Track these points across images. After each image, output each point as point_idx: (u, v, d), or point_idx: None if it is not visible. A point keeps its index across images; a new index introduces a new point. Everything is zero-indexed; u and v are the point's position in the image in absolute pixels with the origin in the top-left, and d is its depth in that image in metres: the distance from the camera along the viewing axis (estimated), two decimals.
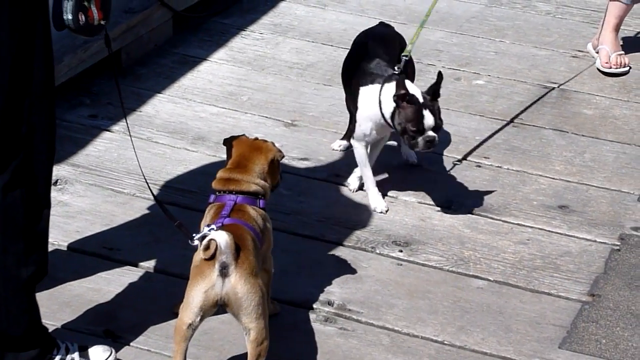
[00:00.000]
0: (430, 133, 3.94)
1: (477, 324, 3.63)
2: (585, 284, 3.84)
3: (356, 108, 4.14)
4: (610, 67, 5.17)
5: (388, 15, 5.65)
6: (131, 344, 3.50)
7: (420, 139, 3.94)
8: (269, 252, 3.44)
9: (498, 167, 4.48)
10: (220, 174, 3.45)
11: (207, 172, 4.33)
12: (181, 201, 4.20)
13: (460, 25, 5.61)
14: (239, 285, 3.10)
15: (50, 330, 3.35)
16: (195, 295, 3.12)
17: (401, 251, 3.97)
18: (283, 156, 3.54)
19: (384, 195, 4.24)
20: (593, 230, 4.11)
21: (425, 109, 3.94)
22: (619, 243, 4.05)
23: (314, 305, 3.69)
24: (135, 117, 4.75)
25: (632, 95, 5.03)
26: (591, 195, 4.31)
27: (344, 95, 4.74)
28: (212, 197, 3.43)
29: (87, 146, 4.53)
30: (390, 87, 3.99)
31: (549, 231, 4.11)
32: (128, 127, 3.82)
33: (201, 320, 3.12)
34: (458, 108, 4.87)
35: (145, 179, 3.60)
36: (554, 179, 4.41)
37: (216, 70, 5.15)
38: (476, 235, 4.07)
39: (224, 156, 4.44)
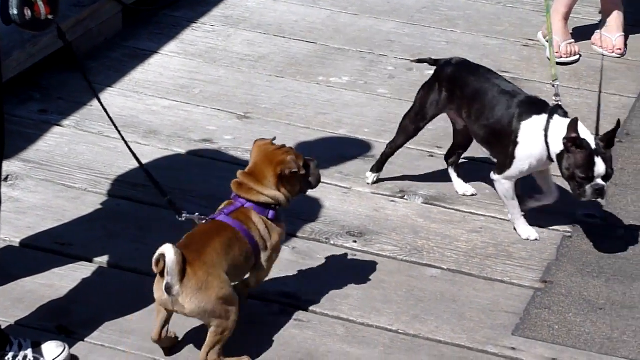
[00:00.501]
0: (600, 181, 3.77)
1: (431, 313, 3.65)
2: (538, 271, 3.87)
3: (514, 144, 3.90)
4: (561, 56, 5.20)
5: (340, 7, 5.67)
6: (85, 339, 3.49)
7: (588, 187, 3.78)
8: (269, 262, 3.49)
9: None
10: (238, 176, 3.52)
11: (159, 165, 4.33)
12: (134, 195, 4.19)
13: (412, 15, 5.63)
14: (185, 304, 3.22)
15: (3, 327, 3.33)
16: (155, 307, 3.35)
17: (355, 242, 3.98)
18: (293, 168, 3.44)
19: (338, 185, 4.26)
20: (545, 217, 4.13)
21: (597, 155, 3.76)
22: (570, 230, 4.09)
23: (270, 297, 3.69)
24: (86, 111, 4.73)
25: (583, 83, 5.08)
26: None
27: (297, 86, 4.77)
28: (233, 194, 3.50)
29: (38, 141, 4.51)
30: (559, 124, 3.82)
31: (501, 219, 4.13)
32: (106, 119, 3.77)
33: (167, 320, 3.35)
34: (410, 98, 4.82)
35: (125, 142, 3.63)
36: None
37: (167, 63, 5.14)
38: (429, 224, 4.09)
39: (176, 149, 4.48)
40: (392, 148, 4.26)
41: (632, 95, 5.00)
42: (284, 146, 3.54)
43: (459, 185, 4.29)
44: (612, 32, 5.32)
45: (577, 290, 3.78)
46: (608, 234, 4.08)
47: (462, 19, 5.60)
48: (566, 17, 5.23)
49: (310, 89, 4.94)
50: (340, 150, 4.45)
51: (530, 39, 5.42)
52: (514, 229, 4.05)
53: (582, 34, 5.41)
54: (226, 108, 4.79)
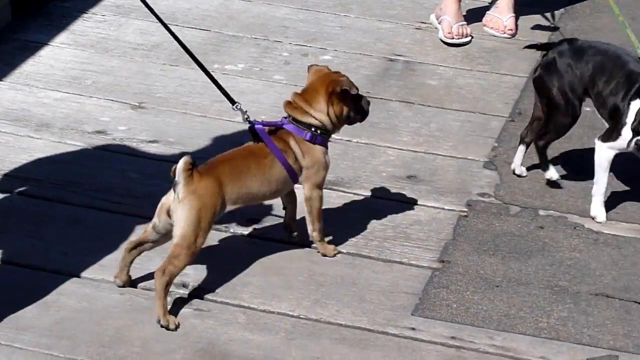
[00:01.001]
0: None
1: (332, 297, 3.67)
2: (435, 251, 3.91)
3: (620, 122, 3.96)
4: (453, 38, 5.26)
5: None
6: None
7: None
8: (309, 181, 3.73)
9: (348, 140, 4.52)
10: (291, 96, 3.77)
11: (52, 159, 4.29)
12: (27, 190, 4.13)
13: (306, 1, 5.64)
14: (179, 199, 3.48)
15: None
16: (161, 200, 3.60)
17: (255, 229, 3.97)
18: (344, 86, 3.67)
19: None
20: (441, 198, 4.19)
21: None
22: (466, 209, 4.14)
23: (169, 288, 3.67)
24: None
25: (475, 64, 5.14)
26: (438, 165, 4.39)
27: (191, 74, 4.74)
28: None
29: None
30: None
31: (398, 201, 4.17)
32: None
33: (162, 228, 3.57)
34: None
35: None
36: (402, 149, 4.48)
37: (58, 55, 5.08)
38: (328, 208, 4.09)
39: (70, 142, 4.43)
40: (545, 143, 4.24)
41: (523, 74, 5.07)
42: (335, 72, 3.78)
43: (518, 163, 4.35)
44: (502, 14, 5.38)
45: (474, 268, 3.84)
46: (502, 213, 4.13)
47: (355, 3, 5.62)
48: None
49: (205, 77, 4.89)
50: (238, 137, 4.44)
51: (422, 22, 5.45)
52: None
53: (474, 15, 5.46)
54: (120, 98, 4.75)
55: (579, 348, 3.50)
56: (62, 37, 5.22)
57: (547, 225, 4.07)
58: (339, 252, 3.87)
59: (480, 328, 3.56)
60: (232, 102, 3.76)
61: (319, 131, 3.71)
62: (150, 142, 4.46)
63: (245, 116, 3.69)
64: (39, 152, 4.36)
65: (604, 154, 4.05)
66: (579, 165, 4.41)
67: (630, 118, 3.95)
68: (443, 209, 4.13)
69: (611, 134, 4.03)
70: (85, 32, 5.27)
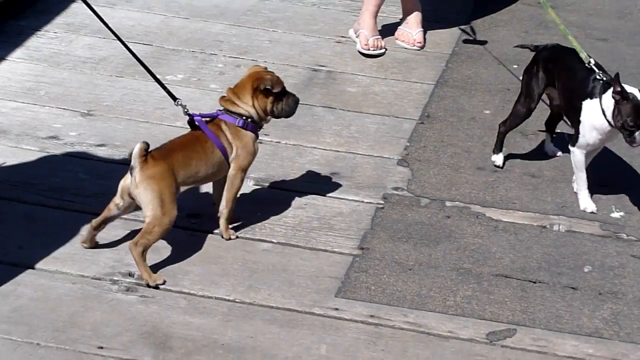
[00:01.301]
0: None
1: (264, 282, 3.68)
2: (356, 239, 3.93)
3: (579, 121, 4.02)
4: (369, 49, 5.28)
5: (172, 12, 5.63)
6: None
7: (637, 134, 3.84)
8: (237, 160, 3.79)
9: (277, 142, 4.54)
10: (225, 91, 3.87)
11: (10, 162, 4.23)
12: None
13: (238, 18, 5.63)
14: (137, 182, 3.56)
15: None
16: (119, 184, 3.66)
17: (194, 222, 3.96)
18: (267, 84, 3.77)
19: None
20: (360, 192, 4.21)
21: None
22: (382, 202, 4.16)
23: (116, 278, 3.66)
24: None
25: (389, 73, 5.16)
26: (357, 162, 4.42)
27: (135, 84, 4.71)
28: None
29: None
30: (607, 94, 3.89)
31: (323, 195, 4.18)
32: None
33: (124, 206, 3.68)
34: None
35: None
36: (325, 150, 4.50)
37: (14, 69, 5.02)
38: (260, 203, 4.11)
39: (25, 147, 4.39)
40: (506, 128, 4.38)
41: (430, 82, 5.10)
42: (271, 72, 3.88)
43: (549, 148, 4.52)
44: (412, 29, 5.41)
45: (390, 254, 3.86)
46: (414, 204, 4.16)
47: (282, 20, 5.63)
48: (374, 15, 5.30)
49: (148, 86, 4.89)
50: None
51: (342, 36, 5.47)
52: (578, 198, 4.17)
53: (388, 30, 5.48)
54: (70, 107, 4.71)
55: (481, 323, 3.54)
56: (17, 53, 5.16)
57: (453, 214, 4.11)
58: (237, 238, 3.89)
59: (395, 307, 3.59)
60: (174, 99, 3.85)
61: (249, 120, 3.79)
62: (98, 146, 4.43)
63: (185, 110, 3.79)
64: None
65: (577, 156, 4.11)
66: (482, 162, 4.46)
67: (583, 117, 4.00)
68: (362, 202, 4.16)
69: (577, 138, 4.07)
70: (39, 47, 5.22)
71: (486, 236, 3.99)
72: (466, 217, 4.10)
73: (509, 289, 3.71)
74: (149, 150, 3.61)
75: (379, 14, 5.33)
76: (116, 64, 5.09)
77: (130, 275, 3.67)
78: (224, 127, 3.80)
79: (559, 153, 4.49)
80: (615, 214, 4.15)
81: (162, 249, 3.80)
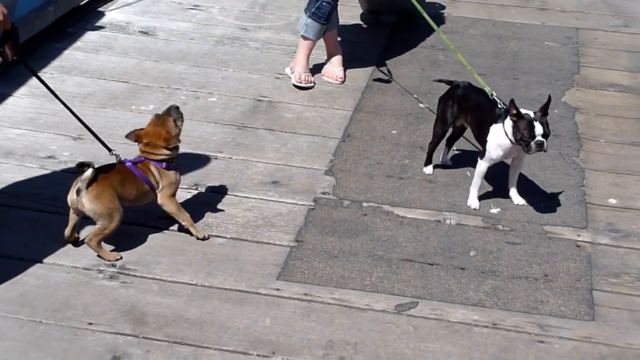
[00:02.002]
0: (540, 138, 3.86)
1: (220, 270, 3.66)
2: (292, 234, 3.92)
3: (486, 141, 4.05)
4: (302, 83, 5.28)
5: (144, 56, 5.57)
6: None
7: (532, 143, 3.87)
8: (164, 194, 3.74)
9: (229, 157, 4.50)
10: (140, 147, 3.76)
11: (16, 178, 4.16)
12: None
13: (197, 60, 5.59)
14: (85, 204, 3.55)
15: None
16: (67, 199, 3.63)
17: (163, 223, 3.92)
18: (172, 133, 3.74)
19: None
20: (296, 196, 4.20)
21: (535, 121, 3.87)
22: (313, 204, 4.16)
23: (102, 268, 3.61)
24: None
25: (317, 102, 5.16)
26: (293, 173, 4.40)
27: (116, 114, 4.64)
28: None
29: None
30: (508, 119, 3.93)
31: (266, 199, 4.16)
32: None
33: (79, 214, 3.64)
34: (199, 119, 4.86)
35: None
36: (267, 163, 4.47)
37: (19, 103, 4.92)
38: (215, 207, 4.08)
39: (29, 165, 4.31)
40: (432, 146, 4.39)
41: (350, 109, 5.10)
42: (158, 115, 3.81)
43: (445, 159, 4.52)
44: (335, 67, 5.42)
45: (319, 245, 3.86)
46: (338, 205, 4.16)
47: (232, 61, 5.60)
48: (307, 57, 5.30)
49: (126, 115, 4.85)
50: None
51: (280, 73, 5.45)
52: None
53: (316, 68, 5.48)
54: (64, 132, 4.63)
55: (391, 297, 3.56)
56: (22, 90, 5.06)
57: (369, 213, 4.12)
58: (211, 236, 3.85)
59: (324, 287, 3.59)
60: (109, 150, 3.76)
61: (170, 160, 3.75)
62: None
63: (118, 158, 3.72)
64: (6, 172, 4.23)
65: (482, 167, 4.13)
66: (390, 171, 4.48)
67: (489, 138, 4.04)
68: (297, 204, 4.14)
69: (484, 154, 4.10)
70: (39, 86, 5.01)
71: (394, 229, 4.00)
72: (379, 214, 4.11)
73: (412, 270, 3.73)
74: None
75: (309, 56, 5.33)
76: (100, 98, 5.02)
77: (113, 265, 3.63)
78: (152, 168, 3.72)
79: (450, 163, 4.52)
80: (494, 210, 4.19)
81: (138, 244, 3.76)
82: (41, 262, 3.62)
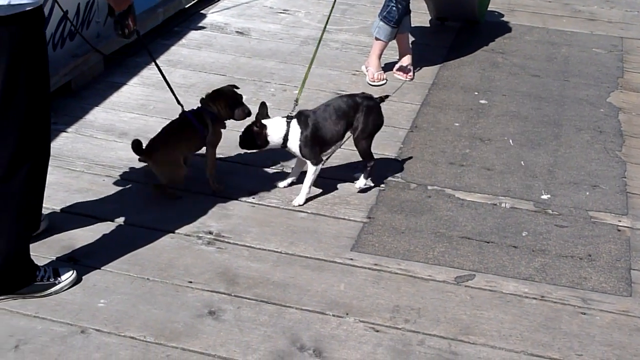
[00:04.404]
0: None
1: (301, 240, 3.67)
2: (365, 211, 3.90)
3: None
4: (375, 81, 5.24)
5: (239, 53, 5.61)
6: (86, 265, 3.41)
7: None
8: (210, 142, 3.85)
9: None
10: (205, 96, 3.91)
11: (129, 156, 4.22)
12: (113, 174, 4.08)
13: (285, 57, 5.60)
14: (151, 163, 3.74)
15: (34, 261, 3.24)
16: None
17: (253, 198, 3.95)
18: (244, 111, 3.90)
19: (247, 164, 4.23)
20: (371, 178, 4.16)
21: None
22: (384, 186, 4.13)
23: (200, 235, 3.66)
24: (81, 122, 4.59)
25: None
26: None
27: None
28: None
29: (52, 142, 4.26)
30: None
31: (342, 181, 4.14)
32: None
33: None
34: (285, 108, 4.83)
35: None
36: (344, 148, 4.39)
37: (132, 90, 5.02)
38: (298, 186, 4.07)
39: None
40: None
41: (417, 103, 5.05)
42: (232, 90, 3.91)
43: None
44: (405, 65, 5.37)
45: (388, 222, 3.84)
46: (405, 187, 4.13)
47: (315, 58, 5.55)
48: (379, 56, 5.27)
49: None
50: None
51: (357, 70, 5.43)
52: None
53: (388, 66, 5.44)
54: (171, 117, 4.55)
55: (451, 270, 3.53)
56: (135, 80, 5.15)
57: (432, 195, 4.08)
58: (294, 211, 3.82)
59: (392, 258, 3.58)
60: (180, 104, 3.88)
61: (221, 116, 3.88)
62: None
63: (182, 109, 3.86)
64: (121, 150, 4.32)
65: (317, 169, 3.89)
66: (453, 159, 4.42)
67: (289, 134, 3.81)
68: (371, 185, 4.12)
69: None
70: (149, 76, 5.21)
71: (455, 210, 3.96)
72: (441, 197, 4.07)
73: (470, 246, 3.68)
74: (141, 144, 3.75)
75: (382, 56, 5.29)
76: (201, 88, 5.06)
77: (210, 233, 3.67)
78: (206, 120, 3.84)
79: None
80: (544, 196, 4.11)
81: (233, 217, 3.80)
82: (149, 228, 3.68)
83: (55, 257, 3.43)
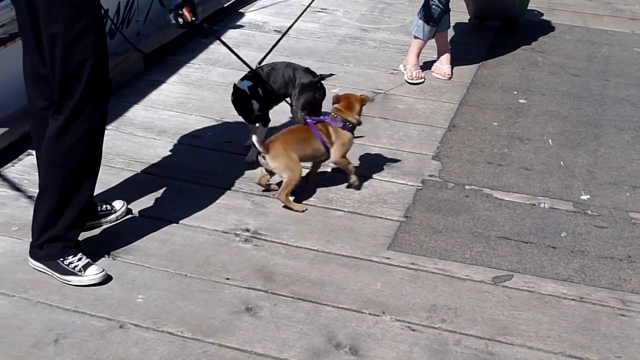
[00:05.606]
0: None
1: (338, 238, 3.66)
2: (402, 210, 3.89)
3: None
4: (413, 79, 5.22)
5: (278, 51, 5.55)
6: (124, 261, 3.45)
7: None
8: (336, 151, 3.88)
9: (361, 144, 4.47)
10: (334, 106, 3.92)
11: (167, 153, 4.28)
12: (152, 171, 4.12)
13: (322, 56, 5.61)
14: (269, 163, 3.74)
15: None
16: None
17: (293, 196, 3.94)
18: (370, 100, 3.97)
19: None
20: (406, 177, 4.16)
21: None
22: (421, 185, 4.11)
23: (237, 232, 3.68)
24: (121, 119, 4.65)
25: (427, 95, 5.10)
26: (404, 157, 4.36)
27: None
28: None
29: None
30: None
31: (380, 179, 4.14)
32: None
33: (270, 175, 3.86)
34: (324, 107, 4.85)
35: None
36: (382, 147, 4.45)
37: (171, 88, 5.06)
38: (336, 184, 4.07)
39: (178, 142, 4.42)
40: None
41: (456, 102, 5.02)
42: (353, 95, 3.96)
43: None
44: (443, 64, 5.34)
45: (425, 221, 3.82)
46: (443, 187, 4.11)
47: (353, 57, 5.59)
48: (417, 55, 5.25)
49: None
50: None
51: (394, 69, 5.41)
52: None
53: (426, 65, 5.42)
54: (208, 115, 4.73)
55: (489, 270, 3.49)
56: (174, 78, 5.20)
57: (470, 194, 4.05)
58: (331, 209, 3.84)
59: (429, 257, 3.56)
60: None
61: (350, 123, 3.89)
62: (226, 142, 4.44)
63: (304, 118, 3.92)
64: (160, 148, 4.36)
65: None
66: (491, 159, 4.38)
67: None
68: (407, 184, 4.11)
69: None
70: (188, 75, 5.26)
71: (493, 210, 3.92)
72: (479, 196, 4.04)
73: (508, 247, 3.65)
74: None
75: (420, 54, 5.27)
76: None
77: (248, 230, 3.68)
78: (330, 129, 3.85)
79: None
80: (584, 197, 4.05)
81: (268, 213, 3.81)
82: (187, 225, 3.70)
83: (94, 253, 3.47)
